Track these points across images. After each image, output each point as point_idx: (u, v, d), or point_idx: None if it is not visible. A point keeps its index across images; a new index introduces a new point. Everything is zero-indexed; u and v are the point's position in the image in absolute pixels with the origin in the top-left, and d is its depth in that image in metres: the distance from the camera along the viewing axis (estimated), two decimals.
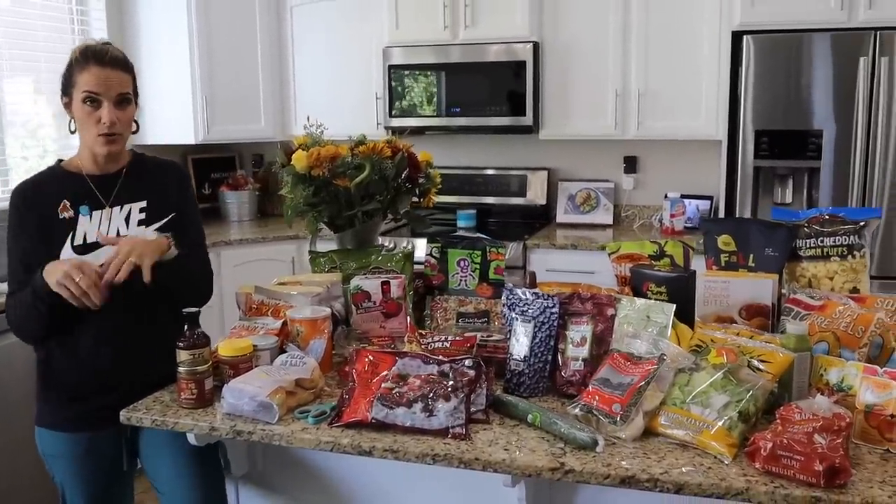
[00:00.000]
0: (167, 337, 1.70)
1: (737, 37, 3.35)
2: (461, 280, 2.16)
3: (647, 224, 4.20)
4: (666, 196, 4.01)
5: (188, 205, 2.00)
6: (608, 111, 3.85)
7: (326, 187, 2.11)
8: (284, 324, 1.86)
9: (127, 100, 1.82)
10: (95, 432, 1.85)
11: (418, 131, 4.04)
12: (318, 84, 4.30)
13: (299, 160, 2.06)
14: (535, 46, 3.85)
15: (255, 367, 1.71)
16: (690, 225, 3.98)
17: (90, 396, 1.83)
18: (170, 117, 4.07)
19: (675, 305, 1.63)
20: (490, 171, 4.38)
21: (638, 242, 1.99)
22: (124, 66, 1.82)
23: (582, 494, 1.67)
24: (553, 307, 1.67)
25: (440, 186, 2.25)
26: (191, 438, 1.66)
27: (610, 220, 4.19)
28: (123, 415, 1.64)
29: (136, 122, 1.89)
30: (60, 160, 1.94)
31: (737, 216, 3.32)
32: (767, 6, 3.24)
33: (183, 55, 4.01)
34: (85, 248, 1.82)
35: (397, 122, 4.08)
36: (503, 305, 1.77)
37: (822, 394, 1.48)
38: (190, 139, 4.09)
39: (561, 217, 4.27)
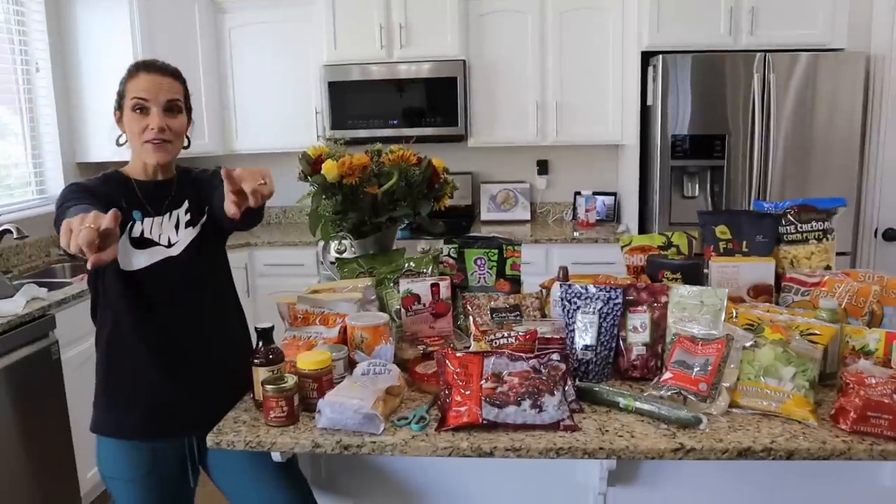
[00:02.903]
0: (228, 339, 1.58)
1: (645, 56, 3.41)
2: (479, 277, 2.01)
3: (560, 218, 4.22)
4: (579, 193, 4.06)
5: (214, 177, 1.67)
6: (529, 120, 3.82)
7: (353, 195, 1.89)
8: (342, 331, 1.64)
9: (177, 107, 1.55)
10: (161, 441, 1.58)
11: (358, 142, 3.81)
12: (257, 101, 3.95)
13: (330, 170, 1.82)
14: (464, 64, 3.74)
15: (332, 378, 1.49)
16: (600, 217, 4.04)
17: (154, 403, 1.56)
18: (115, 135, 3.58)
19: (727, 290, 1.58)
20: None
21: (648, 236, 1.94)
22: (175, 73, 1.57)
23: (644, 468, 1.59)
24: (617, 298, 1.58)
25: (457, 189, 2.09)
26: (276, 457, 1.41)
27: (528, 217, 4.18)
28: (211, 439, 1.36)
29: (187, 137, 1.60)
30: (117, 169, 1.64)
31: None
32: (671, 30, 3.32)
33: None
34: (140, 242, 1.55)
35: (338, 135, 3.81)
36: (561, 299, 1.64)
37: (856, 360, 1.49)
38: None
39: (485, 215, 4.20)
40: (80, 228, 1.08)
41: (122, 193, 1.56)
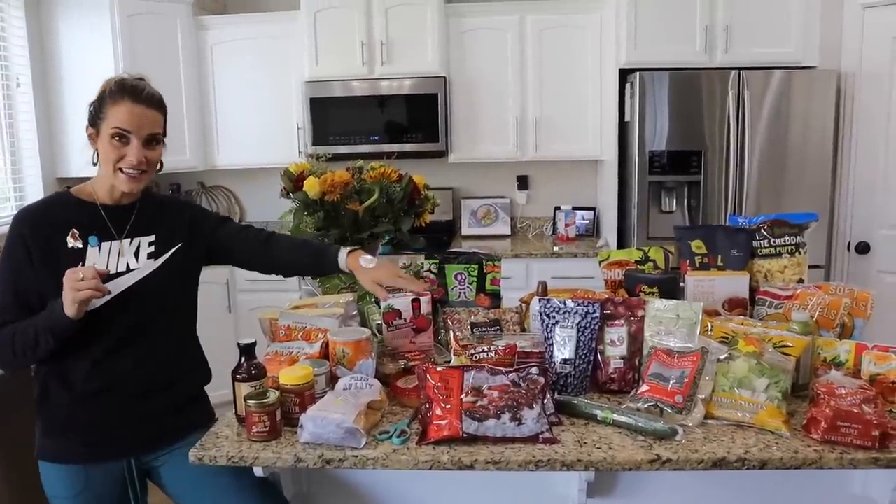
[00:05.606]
0: (165, 364, 1.58)
1: (623, 73, 3.47)
2: (460, 292, 2.03)
3: (540, 233, 4.27)
4: (559, 208, 4.10)
5: (222, 223, 1.76)
6: (509, 136, 3.87)
7: (335, 211, 1.91)
8: (324, 346, 1.65)
9: (157, 140, 1.54)
10: (104, 463, 1.57)
11: (339, 158, 3.83)
12: (239, 117, 3.96)
13: (312, 187, 1.84)
14: (445, 81, 3.79)
15: (314, 393, 1.50)
16: (579, 232, 4.09)
17: (88, 428, 1.54)
18: (88, 151, 3.56)
19: (702, 304, 1.61)
20: None
21: (625, 251, 1.97)
22: (159, 105, 1.55)
23: (623, 479, 1.62)
24: (594, 313, 1.60)
25: (438, 205, 2.11)
26: (258, 471, 1.42)
27: (508, 231, 4.22)
28: (194, 455, 1.36)
29: (160, 161, 1.60)
30: (69, 187, 1.61)
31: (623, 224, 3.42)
32: (648, 48, 3.40)
33: None
34: None
35: (320, 151, 3.83)
36: (540, 313, 1.67)
37: (827, 371, 1.53)
38: None
39: (466, 230, 4.23)
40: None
41: (77, 217, 1.53)
